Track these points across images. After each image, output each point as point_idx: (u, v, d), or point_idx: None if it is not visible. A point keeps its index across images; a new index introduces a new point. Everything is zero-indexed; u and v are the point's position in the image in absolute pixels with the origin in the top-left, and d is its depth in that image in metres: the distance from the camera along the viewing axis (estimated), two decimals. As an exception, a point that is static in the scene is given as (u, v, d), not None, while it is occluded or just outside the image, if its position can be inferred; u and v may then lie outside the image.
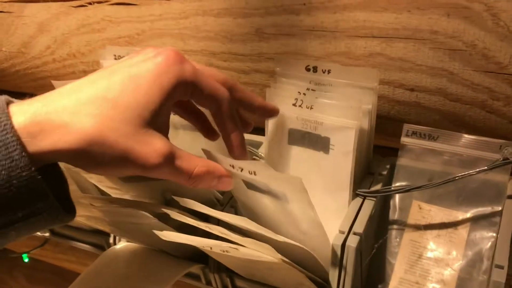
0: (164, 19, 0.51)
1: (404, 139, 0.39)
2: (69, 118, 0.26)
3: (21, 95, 0.76)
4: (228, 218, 0.33)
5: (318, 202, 0.32)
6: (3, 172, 0.24)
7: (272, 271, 0.36)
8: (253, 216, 0.36)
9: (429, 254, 0.37)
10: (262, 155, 0.46)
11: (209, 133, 0.37)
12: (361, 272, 0.38)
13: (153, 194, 0.40)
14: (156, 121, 0.28)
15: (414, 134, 0.39)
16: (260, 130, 0.42)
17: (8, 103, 0.26)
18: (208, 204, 0.34)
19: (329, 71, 0.39)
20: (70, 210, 0.29)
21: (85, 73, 0.62)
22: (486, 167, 0.35)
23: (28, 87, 0.70)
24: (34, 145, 0.25)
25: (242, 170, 0.31)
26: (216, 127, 0.34)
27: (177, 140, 0.30)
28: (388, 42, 0.40)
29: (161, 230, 0.33)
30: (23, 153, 0.24)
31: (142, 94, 0.27)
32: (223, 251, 0.31)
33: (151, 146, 0.27)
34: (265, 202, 0.34)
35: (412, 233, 0.39)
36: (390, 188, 0.39)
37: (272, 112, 0.38)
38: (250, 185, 0.33)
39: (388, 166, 0.41)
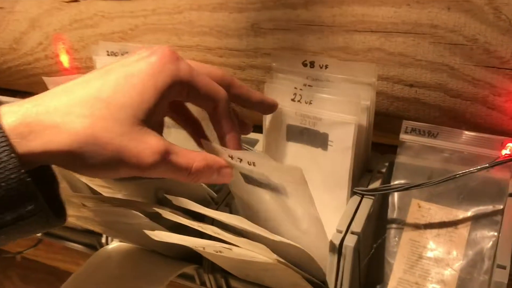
0: (158, 14, 0.51)
1: (403, 136, 0.39)
2: (60, 119, 0.25)
3: (14, 92, 0.75)
4: (223, 217, 0.33)
5: (317, 200, 0.32)
6: None
7: (267, 271, 0.35)
8: (251, 213, 0.36)
9: (429, 254, 0.37)
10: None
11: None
12: (359, 273, 0.37)
13: (146, 193, 0.40)
14: (150, 121, 0.28)
15: (413, 131, 0.38)
16: (256, 128, 0.41)
17: None
18: (202, 203, 0.34)
19: (326, 66, 0.38)
20: (60, 214, 0.28)
21: (78, 69, 0.61)
22: (487, 165, 0.35)
23: (20, 84, 0.69)
24: (24, 147, 0.24)
25: (241, 161, 0.30)
26: (210, 133, 0.33)
27: (170, 139, 0.29)
28: (387, 36, 0.40)
29: (153, 230, 0.32)
30: (12, 155, 0.24)
31: (136, 94, 0.27)
32: (216, 252, 0.31)
33: (146, 144, 0.27)
34: (264, 197, 0.34)
35: (411, 232, 0.38)
36: (388, 186, 0.39)
37: (271, 107, 0.37)
38: (249, 179, 0.33)
39: (386, 164, 0.41)
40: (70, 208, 0.35)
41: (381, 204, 0.40)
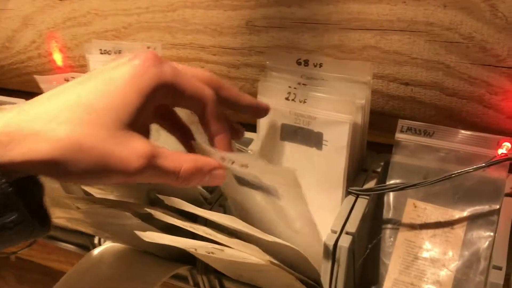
0: (151, 12, 0.50)
1: (399, 135, 0.38)
2: (40, 126, 0.24)
3: (7, 91, 0.74)
4: (216, 217, 0.32)
5: (311, 200, 0.31)
6: None
7: (260, 272, 0.35)
8: (244, 214, 0.35)
9: (425, 254, 0.36)
10: (251, 153, 0.45)
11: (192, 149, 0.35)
12: (354, 273, 0.37)
13: (138, 194, 0.39)
14: (135, 124, 0.27)
15: (409, 130, 0.38)
16: (249, 127, 0.41)
17: None
18: (195, 203, 0.33)
19: (320, 65, 0.38)
20: (45, 222, 0.27)
21: (71, 68, 0.60)
22: (483, 164, 0.34)
23: (13, 83, 0.68)
24: (4, 156, 0.24)
25: (233, 163, 0.30)
26: (199, 137, 0.33)
27: (159, 142, 0.29)
28: (382, 34, 0.39)
29: (145, 230, 0.32)
30: None
31: (119, 97, 0.26)
32: (208, 253, 0.30)
33: (131, 149, 0.26)
34: (257, 199, 0.33)
35: (407, 232, 0.38)
36: (384, 186, 0.39)
37: (262, 111, 0.36)
38: (242, 181, 0.32)
39: (382, 163, 0.41)
40: (61, 210, 0.35)
41: (376, 204, 0.40)
